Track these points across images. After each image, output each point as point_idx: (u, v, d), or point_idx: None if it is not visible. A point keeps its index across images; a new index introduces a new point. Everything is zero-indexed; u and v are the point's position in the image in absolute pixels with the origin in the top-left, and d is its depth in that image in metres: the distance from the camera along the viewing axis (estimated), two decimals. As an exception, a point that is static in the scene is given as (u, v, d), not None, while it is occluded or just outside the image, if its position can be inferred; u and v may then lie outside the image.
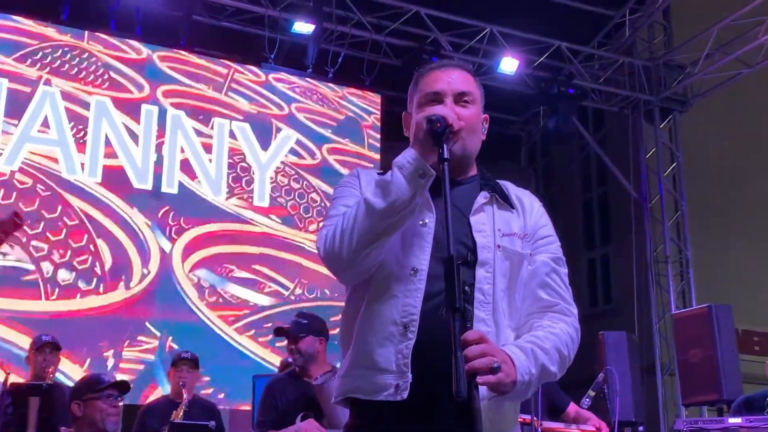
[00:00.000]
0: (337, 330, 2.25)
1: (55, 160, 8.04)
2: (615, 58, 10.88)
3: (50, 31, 8.38)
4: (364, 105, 9.75)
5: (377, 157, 9.59)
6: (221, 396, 7.93)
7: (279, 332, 4.71)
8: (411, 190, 1.96)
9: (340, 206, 2.12)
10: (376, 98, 9.82)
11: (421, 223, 2.06)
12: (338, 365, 2.27)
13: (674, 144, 11.30)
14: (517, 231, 2.16)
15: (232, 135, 8.87)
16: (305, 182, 9.12)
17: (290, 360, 6.76)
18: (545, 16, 10.12)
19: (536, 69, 10.39)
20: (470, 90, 2.19)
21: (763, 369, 5.65)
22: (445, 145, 1.99)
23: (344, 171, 9.29)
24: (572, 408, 5.12)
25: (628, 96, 11.08)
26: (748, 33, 9.89)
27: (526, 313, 2.13)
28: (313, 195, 9.12)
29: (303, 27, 9.09)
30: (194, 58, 8.97)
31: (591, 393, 5.34)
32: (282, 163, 9.06)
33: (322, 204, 9.07)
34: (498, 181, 2.25)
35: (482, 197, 2.15)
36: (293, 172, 9.11)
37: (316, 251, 2.36)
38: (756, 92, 11.99)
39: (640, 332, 10.11)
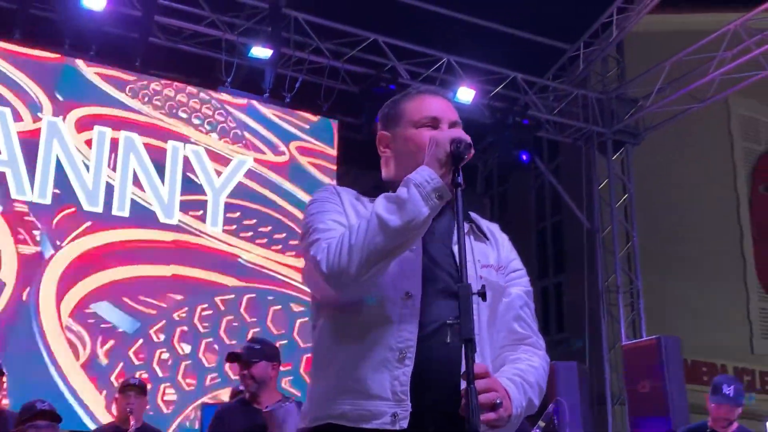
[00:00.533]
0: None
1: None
2: (569, 90, 11.04)
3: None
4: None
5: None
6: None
7: (231, 357, 4.65)
8: (427, 210, 1.91)
9: (327, 221, 2.04)
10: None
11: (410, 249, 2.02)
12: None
13: (626, 176, 11.47)
14: (492, 263, 2.16)
15: (186, 160, 8.82)
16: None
17: (241, 388, 6.67)
18: (502, 47, 10.25)
19: (492, 99, 10.49)
20: (459, 120, 2.19)
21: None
22: (460, 170, 1.97)
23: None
24: None
25: (581, 128, 11.23)
26: (698, 68, 10.10)
27: (500, 345, 2.13)
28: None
29: (261, 52, 9.08)
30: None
31: (541, 424, 5.35)
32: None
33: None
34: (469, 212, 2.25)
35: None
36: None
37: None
38: (705, 126, 12.24)
39: (590, 361, 10.18)
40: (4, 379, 5.80)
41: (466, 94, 9.97)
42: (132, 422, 5.50)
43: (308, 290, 2.16)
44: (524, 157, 10.29)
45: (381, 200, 1.95)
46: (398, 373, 1.92)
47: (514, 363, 2.08)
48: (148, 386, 6.32)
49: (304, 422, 2.03)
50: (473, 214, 2.25)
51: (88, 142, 8.36)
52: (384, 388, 1.91)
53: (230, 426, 4.44)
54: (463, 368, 1.77)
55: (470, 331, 1.76)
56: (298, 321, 8.71)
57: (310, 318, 2.18)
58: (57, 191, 8.08)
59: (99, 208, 8.21)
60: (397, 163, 2.18)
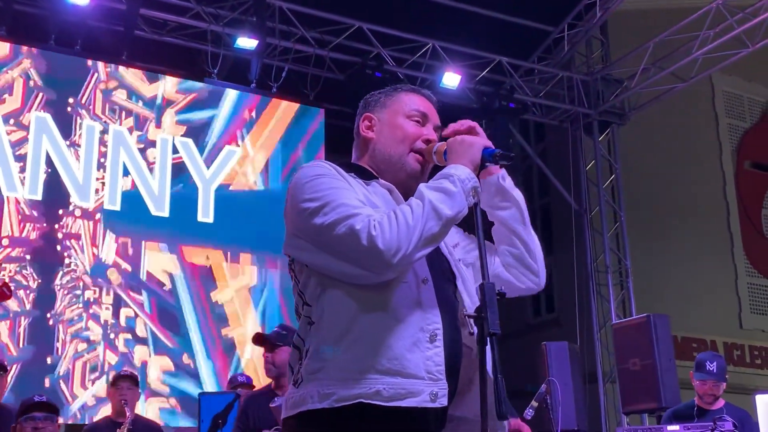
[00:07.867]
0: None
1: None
2: (554, 72, 11.07)
3: None
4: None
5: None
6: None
7: (258, 339, 4.66)
8: (467, 205, 2.01)
9: (353, 198, 2.01)
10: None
11: None
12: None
13: (613, 156, 11.52)
14: (455, 242, 2.27)
15: (174, 150, 8.82)
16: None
17: (238, 377, 6.73)
18: (486, 31, 10.25)
19: (478, 83, 10.52)
20: (441, 126, 2.29)
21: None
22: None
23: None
24: (514, 422, 5.16)
25: (567, 109, 11.27)
26: (681, 48, 10.16)
27: None
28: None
29: (246, 42, 9.07)
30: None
31: (534, 404, 5.43)
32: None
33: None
34: None
35: None
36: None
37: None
38: (690, 104, 12.31)
39: (581, 341, 10.28)
40: (7, 376, 5.84)
41: (451, 79, 9.99)
42: (127, 414, 5.50)
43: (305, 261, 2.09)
44: None
45: (427, 189, 1.99)
46: (431, 354, 1.95)
47: None
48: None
49: (321, 402, 1.94)
50: None
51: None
52: (419, 367, 1.93)
53: (252, 413, 4.38)
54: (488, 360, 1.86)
55: (496, 325, 1.82)
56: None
57: (300, 285, 2.11)
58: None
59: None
60: (378, 147, 2.24)
